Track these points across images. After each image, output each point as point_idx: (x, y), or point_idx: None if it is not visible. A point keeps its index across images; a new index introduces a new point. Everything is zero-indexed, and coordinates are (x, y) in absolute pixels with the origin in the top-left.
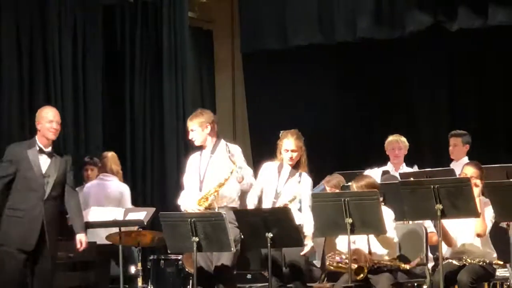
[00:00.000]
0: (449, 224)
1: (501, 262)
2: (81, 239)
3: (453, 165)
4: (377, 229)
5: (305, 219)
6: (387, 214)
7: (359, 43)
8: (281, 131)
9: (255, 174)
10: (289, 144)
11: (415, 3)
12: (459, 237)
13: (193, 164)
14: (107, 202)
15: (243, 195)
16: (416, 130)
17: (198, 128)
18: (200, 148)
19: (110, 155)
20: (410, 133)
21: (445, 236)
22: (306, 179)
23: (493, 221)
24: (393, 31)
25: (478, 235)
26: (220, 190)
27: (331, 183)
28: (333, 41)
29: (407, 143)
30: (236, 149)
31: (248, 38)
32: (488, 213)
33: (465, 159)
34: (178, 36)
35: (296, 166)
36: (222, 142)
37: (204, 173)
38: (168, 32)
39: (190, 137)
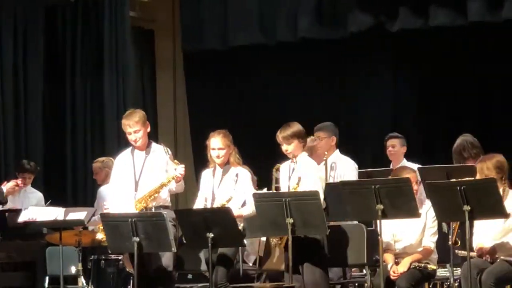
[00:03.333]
0: (392, 225)
1: (435, 267)
2: None
3: (418, 168)
4: (318, 229)
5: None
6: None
7: (301, 43)
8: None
9: (197, 175)
10: (215, 142)
11: (356, 4)
12: (401, 239)
13: (126, 164)
14: None
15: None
16: (358, 130)
17: (142, 127)
18: (130, 148)
19: None
20: (351, 134)
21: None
22: (243, 175)
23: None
24: (335, 31)
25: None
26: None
27: None
28: (274, 41)
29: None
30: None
31: (189, 37)
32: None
33: (405, 162)
34: (120, 35)
35: (227, 164)
36: (154, 143)
37: (140, 173)
38: (109, 31)
39: (133, 138)
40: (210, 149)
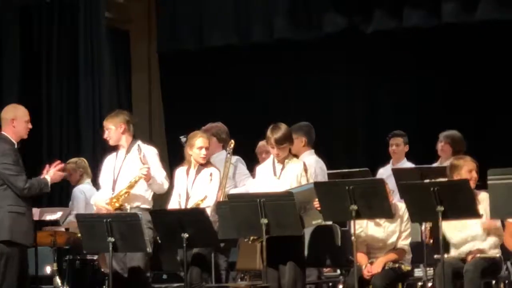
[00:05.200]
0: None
1: (409, 268)
2: None
3: (392, 169)
4: (293, 229)
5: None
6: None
7: (276, 44)
8: (180, 137)
9: (172, 175)
10: (202, 142)
11: (331, 5)
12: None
13: (109, 164)
14: None
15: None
16: (332, 130)
17: (112, 127)
18: (117, 149)
19: None
20: (325, 133)
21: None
22: (215, 177)
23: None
24: (310, 32)
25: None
26: (133, 191)
27: (211, 131)
28: (249, 42)
29: None
30: (151, 150)
31: (165, 38)
32: None
33: (405, 161)
34: (95, 36)
35: (203, 164)
36: (136, 143)
37: (118, 173)
38: (84, 32)
39: (105, 136)
40: (194, 148)
